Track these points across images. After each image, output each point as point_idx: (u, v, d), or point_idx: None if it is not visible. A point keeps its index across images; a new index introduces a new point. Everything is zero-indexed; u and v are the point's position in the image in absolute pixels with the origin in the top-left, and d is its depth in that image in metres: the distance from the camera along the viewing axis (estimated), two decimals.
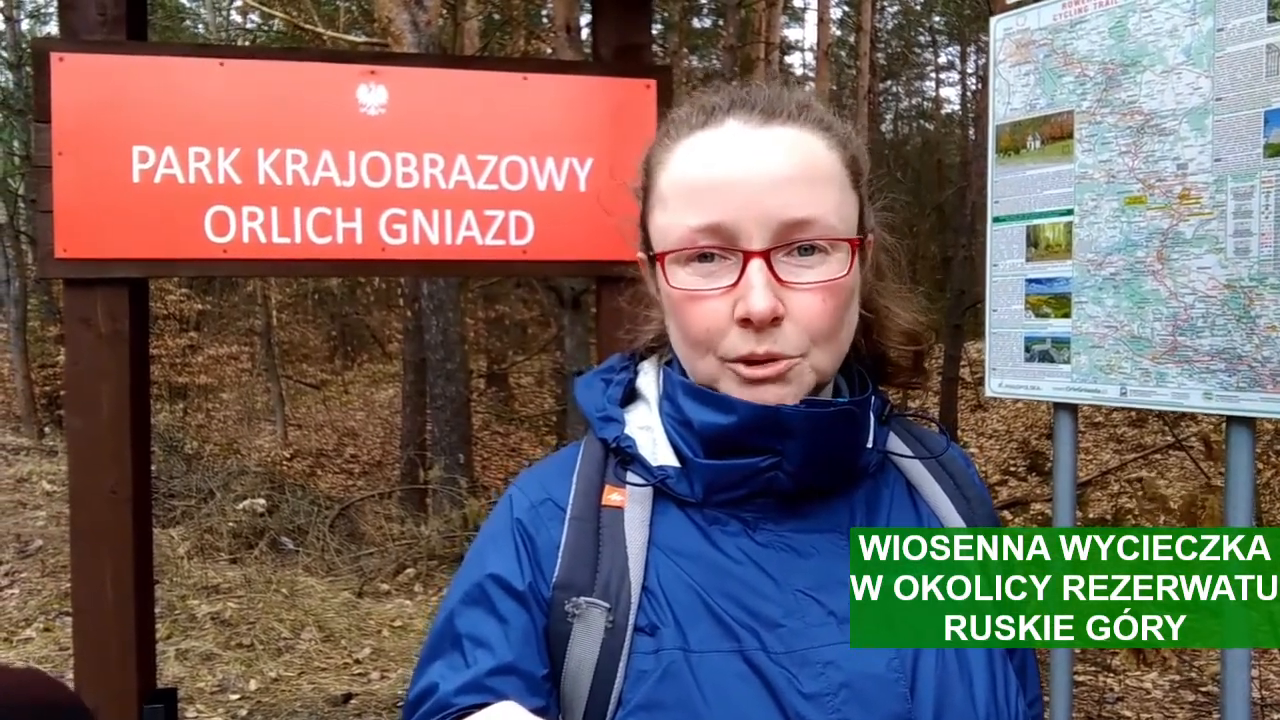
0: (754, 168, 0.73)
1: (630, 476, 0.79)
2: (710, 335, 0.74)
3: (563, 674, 0.73)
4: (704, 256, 0.74)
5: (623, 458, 0.80)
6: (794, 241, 0.73)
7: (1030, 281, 1.75)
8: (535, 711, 0.62)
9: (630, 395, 0.86)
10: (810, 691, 0.69)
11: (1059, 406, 1.76)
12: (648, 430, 0.81)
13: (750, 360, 0.73)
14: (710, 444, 0.76)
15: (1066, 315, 1.69)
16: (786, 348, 0.73)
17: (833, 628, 0.72)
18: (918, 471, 0.84)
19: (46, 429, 10.69)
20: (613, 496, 0.78)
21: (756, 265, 0.72)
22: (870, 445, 0.80)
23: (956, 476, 0.85)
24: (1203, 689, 3.91)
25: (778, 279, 0.72)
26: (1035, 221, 1.74)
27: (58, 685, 0.74)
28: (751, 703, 0.69)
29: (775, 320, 0.72)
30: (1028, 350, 1.77)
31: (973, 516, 0.82)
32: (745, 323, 0.72)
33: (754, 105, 0.76)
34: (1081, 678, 4.03)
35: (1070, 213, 1.67)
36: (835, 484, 0.78)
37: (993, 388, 1.85)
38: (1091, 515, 6.81)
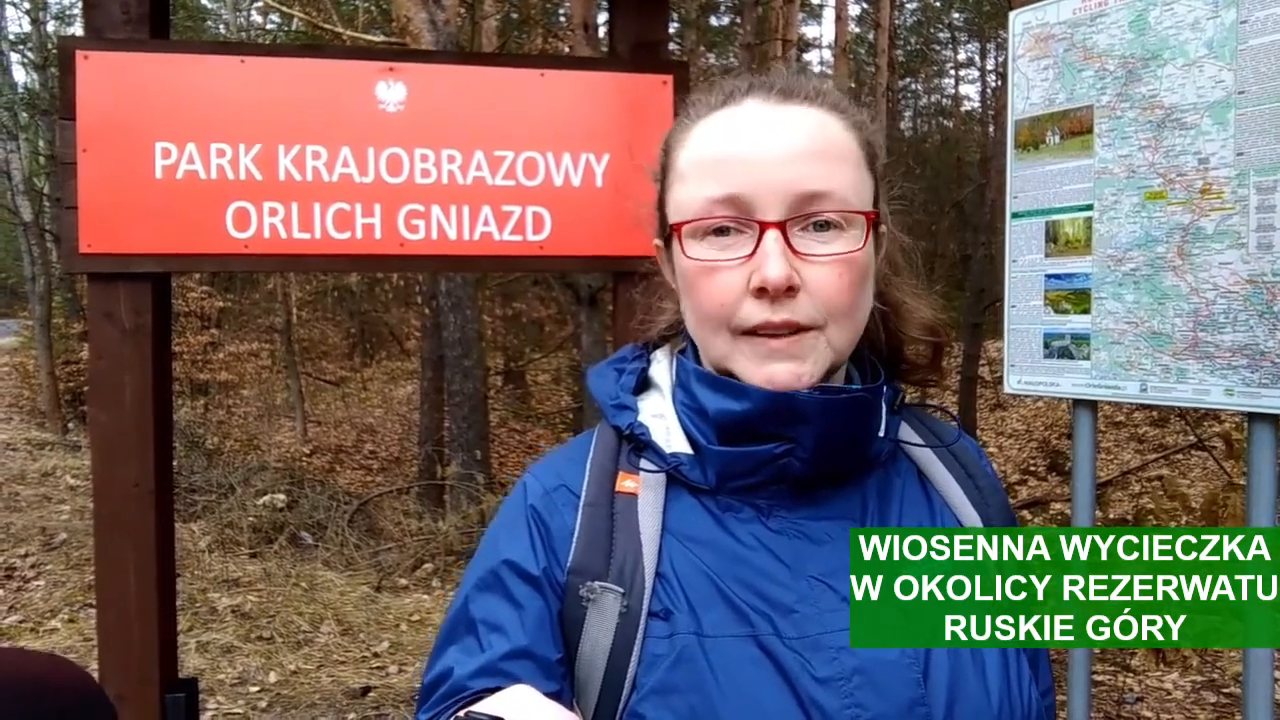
0: (771, 141, 0.74)
1: (644, 463, 0.79)
2: (725, 308, 0.75)
3: (577, 659, 0.74)
4: (721, 231, 0.75)
5: (636, 445, 0.81)
6: (810, 214, 0.74)
7: (1049, 277, 1.74)
8: (549, 695, 0.62)
9: (643, 384, 0.87)
10: (824, 676, 0.70)
11: (1078, 403, 1.75)
12: (661, 418, 0.82)
13: (766, 328, 0.73)
14: (724, 431, 0.77)
15: (1086, 311, 1.68)
16: (802, 316, 0.73)
17: (846, 613, 0.72)
18: (929, 461, 0.84)
19: (70, 425, 10.83)
20: (626, 483, 0.78)
21: (772, 235, 0.73)
22: (882, 434, 0.80)
23: (968, 466, 0.85)
24: (1225, 690, 3.86)
25: (794, 251, 0.73)
26: (1055, 217, 1.72)
27: (65, 667, 0.74)
28: (765, 687, 0.70)
29: (790, 290, 0.73)
30: (1047, 346, 1.75)
31: (985, 505, 0.82)
32: (761, 292, 0.73)
33: (772, 86, 0.78)
34: (1100, 677, 4.00)
35: (1090, 208, 1.66)
36: (848, 471, 0.78)
37: (1011, 384, 1.84)
38: (1113, 515, 6.74)
